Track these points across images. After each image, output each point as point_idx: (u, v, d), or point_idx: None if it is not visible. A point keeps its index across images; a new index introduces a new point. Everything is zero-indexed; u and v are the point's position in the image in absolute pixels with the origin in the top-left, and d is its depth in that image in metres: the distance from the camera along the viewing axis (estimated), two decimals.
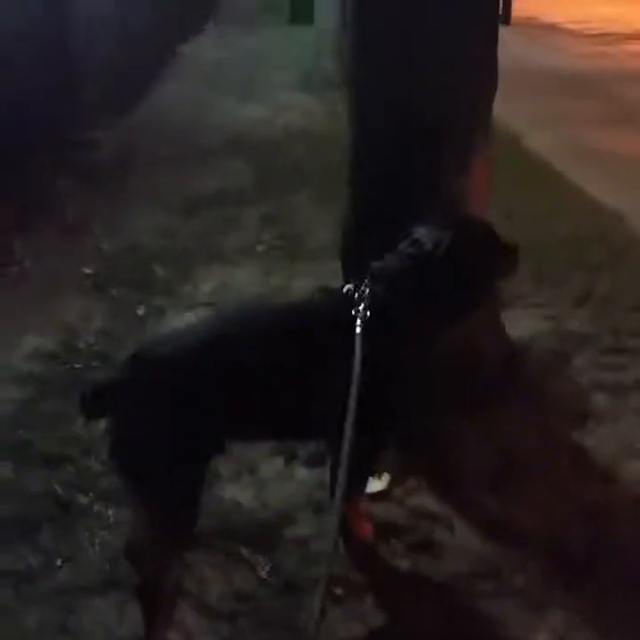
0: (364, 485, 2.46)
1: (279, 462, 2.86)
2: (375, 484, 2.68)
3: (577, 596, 2.28)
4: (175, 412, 2.00)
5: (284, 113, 7.52)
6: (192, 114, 7.65)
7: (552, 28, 13.46)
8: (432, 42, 2.57)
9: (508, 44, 11.63)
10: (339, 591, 2.31)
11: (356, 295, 2.20)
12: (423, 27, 2.58)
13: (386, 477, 2.72)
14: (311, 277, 4.17)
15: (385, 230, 2.37)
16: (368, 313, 2.14)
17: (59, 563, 2.46)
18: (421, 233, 2.28)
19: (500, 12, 3.02)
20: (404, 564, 2.42)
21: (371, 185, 2.77)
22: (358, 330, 2.11)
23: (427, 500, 2.66)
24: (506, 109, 7.54)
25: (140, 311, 3.99)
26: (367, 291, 2.20)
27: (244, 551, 2.47)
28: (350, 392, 1.98)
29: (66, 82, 6.09)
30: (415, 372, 2.30)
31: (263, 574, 2.39)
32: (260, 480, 2.78)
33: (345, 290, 2.27)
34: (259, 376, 2.09)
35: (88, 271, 4.45)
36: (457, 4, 2.59)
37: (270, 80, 8.97)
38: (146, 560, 2.11)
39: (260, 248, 4.71)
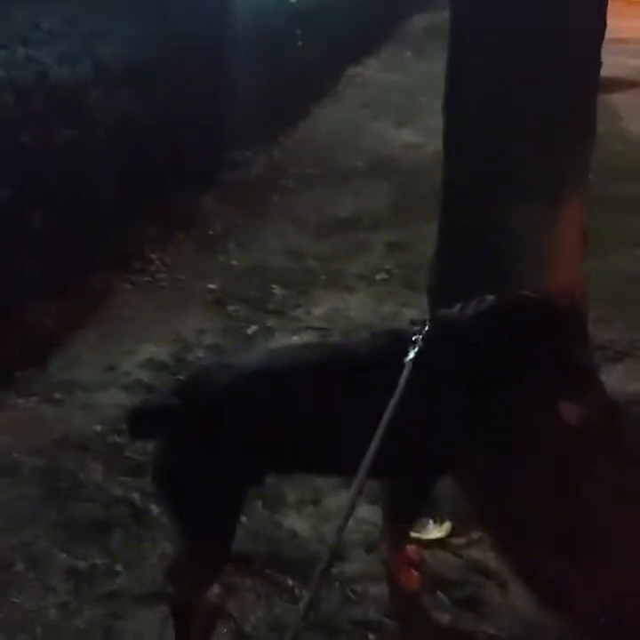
0: (409, 527, 2.43)
1: (344, 496, 2.85)
2: (433, 531, 2.64)
3: None
4: (219, 442, 2.06)
5: (436, 138, 7.45)
6: (345, 137, 7.78)
7: None
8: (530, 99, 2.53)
9: None
10: (372, 636, 2.29)
11: (413, 339, 2.20)
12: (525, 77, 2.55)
13: (446, 525, 2.66)
14: (422, 309, 4.13)
15: (465, 273, 2.34)
16: (417, 357, 2.13)
17: (119, 568, 2.60)
18: (492, 299, 2.25)
19: None
20: (445, 618, 2.35)
21: (455, 227, 2.74)
22: (406, 371, 2.10)
23: (485, 555, 2.57)
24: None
25: (250, 330, 4.12)
26: (422, 336, 2.19)
27: (290, 582, 2.50)
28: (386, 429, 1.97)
29: (222, 104, 6.36)
30: (467, 421, 2.24)
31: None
32: (321, 512, 2.80)
33: (406, 333, 2.27)
34: (305, 412, 2.12)
35: (212, 287, 4.65)
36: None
37: (430, 105, 8.91)
38: (181, 582, 2.19)
39: (379, 276, 4.72)
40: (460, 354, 2.16)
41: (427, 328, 2.22)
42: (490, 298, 2.23)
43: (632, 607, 2.33)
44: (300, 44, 8.28)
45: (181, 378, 2.74)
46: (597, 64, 2.66)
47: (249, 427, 2.07)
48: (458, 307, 2.29)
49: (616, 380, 3.51)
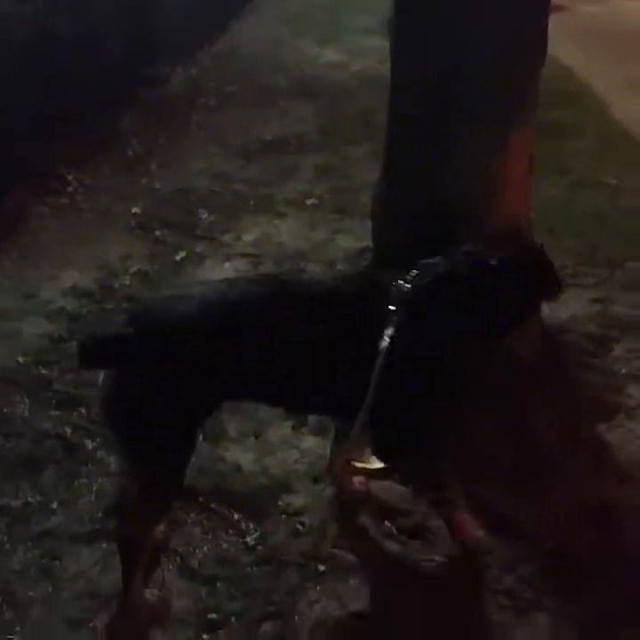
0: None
1: (287, 428, 2.81)
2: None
3: (568, 603, 2.18)
4: (175, 373, 1.97)
5: (360, 58, 7.27)
6: (266, 54, 7.49)
7: None
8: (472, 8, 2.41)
9: (615, 2, 11.06)
10: (322, 567, 2.28)
11: (396, 289, 2.10)
12: None
13: None
14: (355, 236, 4.07)
15: (412, 198, 2.28)
16: (404, 310, 2.05)
17: (54, 505, 2.50)
18: (473, 246, 2.19)
19: None
20: (393, 547, 2.36)
21: (403, 150, 2.65)
22: (390, 329, 2.02)
23: None
24: (599, 72, 7.25)
25: (179, 256, 3.97)
26: (408, 289, 2.09)
27: (236, 516, 2.45)
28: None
29: (137, 17, 6.00)
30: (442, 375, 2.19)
31: (250, 541, 2.37)
32: (264, 444, 2.75)
33: (385, 279, 2.16)
34: (264, 345, 2.03)
35: (136, 210, 4.44)
36: None
37: (353, 23, 8.68)
38: (130, 516, 2.11)
39: (310, 201, 4.60)
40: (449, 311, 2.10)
41: (413, 281, 2.11)
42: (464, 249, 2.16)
43: (575, 532, 2.38)
44: None
45: (132, 307, 2.59)
46: None
47: (205, 357, 1.98)
48: (438, 258, 2.17)
49: (548, 307, 3.55)
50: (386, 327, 2.02)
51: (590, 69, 7.47)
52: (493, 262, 2.10)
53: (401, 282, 2.10)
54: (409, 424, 2.14)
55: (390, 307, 2.05)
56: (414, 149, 2.59)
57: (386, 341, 2.00)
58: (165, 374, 1.96)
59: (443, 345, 2.09)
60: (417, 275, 2.12)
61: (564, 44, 8.32)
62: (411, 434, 2.18)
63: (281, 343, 2.03)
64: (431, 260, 2.17)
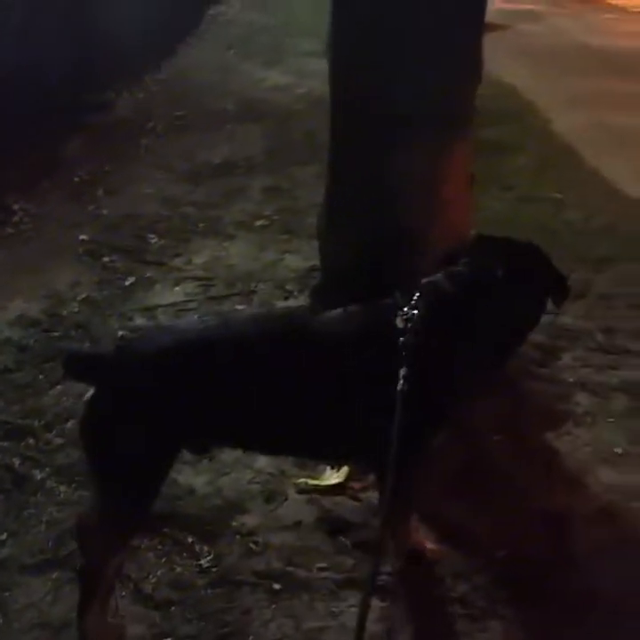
0: None
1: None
2: (331, 476, 2.62)
3: (521, 610, 2.20)
4: (145, 402, 1.96)
5: (305, 80, 7.36)
6: (212, 78, 7.54)
7: (603, 4, 12.92)
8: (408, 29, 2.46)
9: (553, 20, 11.27)
10: (276, 586, 2.27)
11: (400, 313, 2.04)
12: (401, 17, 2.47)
13: (344, 470, 2.65)
14: (303, 255, 4.10)
15: (355, 218, 2.30)
16: (413, 346, 1.98)
17: (3, 537, 2.45)
18: (474, 256, 2.13)
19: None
20: (347, 562, 2.35)
21: (344, 170, 2.68)
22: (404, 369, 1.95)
23: None
24: (541, 88, 7.41)
25: (128, 282, 3.95)
26: (415, 310, 2.02)
27: (190, 538, 2.43)
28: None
29: (82, 42, 6.00)
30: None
31: (204, 563, 2.35)
32: (218, 465, 2.73)
33: (387, 309, 2.09)
34: (265, 389, 2.01)
35: (83, 237, 4.42)
36: None
37: (297, 46, 8.77)
38: (93, 541, 2.07)
39: (259, 223, 4.62)
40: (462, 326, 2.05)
41: (417, 306, 2.03)
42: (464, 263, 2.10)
43: (526, 540, 2.40)
44: None
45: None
46: (483, 4, 2.64)
47: (180, 391, 1.97)
48: (440, 275, 2.11)
49: None
50: (398, 365, 1.95)
51: (532, 86, 7.65)
52: (499, 273, 2.01)
53: (405, 308, 2.04)
54: (419, 454, 2.13)
55: (399, 341, 1.97)
56: (355, 169, 2.63)
57: (401, 383, 1.93)
58: (138, 401, 1.95)
59: (455, 379, 2.07)
60: (419, 297, 2.06)
61: (506, 63, 8.53)
62: (417, 462, 2.16)
63: (279, 386, 2.00)
64: (432, 278, 2.10)
